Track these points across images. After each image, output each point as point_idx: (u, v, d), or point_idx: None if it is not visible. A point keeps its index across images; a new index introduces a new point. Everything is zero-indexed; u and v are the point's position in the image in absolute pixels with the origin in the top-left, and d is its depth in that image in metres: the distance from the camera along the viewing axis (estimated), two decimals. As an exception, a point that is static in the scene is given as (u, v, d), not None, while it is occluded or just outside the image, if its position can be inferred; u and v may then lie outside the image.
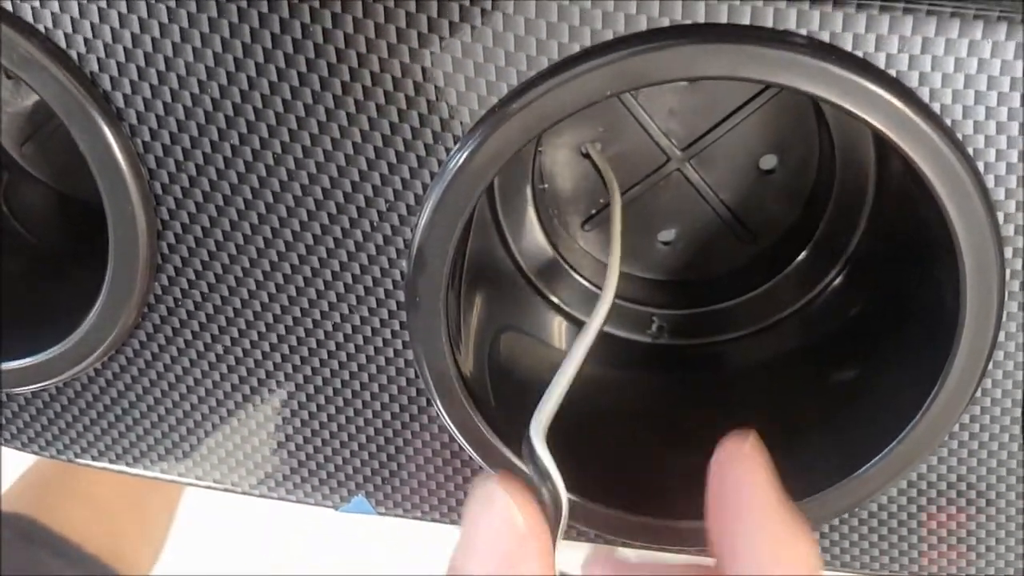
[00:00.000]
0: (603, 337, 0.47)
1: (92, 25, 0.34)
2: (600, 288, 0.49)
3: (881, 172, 0.44)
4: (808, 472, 0.40)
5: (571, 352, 0.35)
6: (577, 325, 0.49)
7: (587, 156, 0.46)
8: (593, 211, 0.49)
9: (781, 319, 0.48)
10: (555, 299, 0.49)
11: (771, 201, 0.48)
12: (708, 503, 0.32)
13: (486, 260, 0.46)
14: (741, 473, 0.32)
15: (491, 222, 0.47)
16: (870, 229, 0.45)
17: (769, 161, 0.47)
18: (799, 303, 0.47)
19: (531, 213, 0.48)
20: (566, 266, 0.49)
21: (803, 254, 0.47)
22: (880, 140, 0.34)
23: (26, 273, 0.47)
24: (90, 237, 0.46)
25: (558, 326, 0.49)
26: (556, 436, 0.42)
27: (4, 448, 0.44)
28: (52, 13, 0.34)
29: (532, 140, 0.34)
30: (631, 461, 0.43)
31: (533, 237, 0.49)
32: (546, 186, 0.48)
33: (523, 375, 0.46)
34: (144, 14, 0.34)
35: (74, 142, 0.35)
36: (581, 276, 0.49)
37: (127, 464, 0.42)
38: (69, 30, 0.34)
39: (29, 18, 0.34)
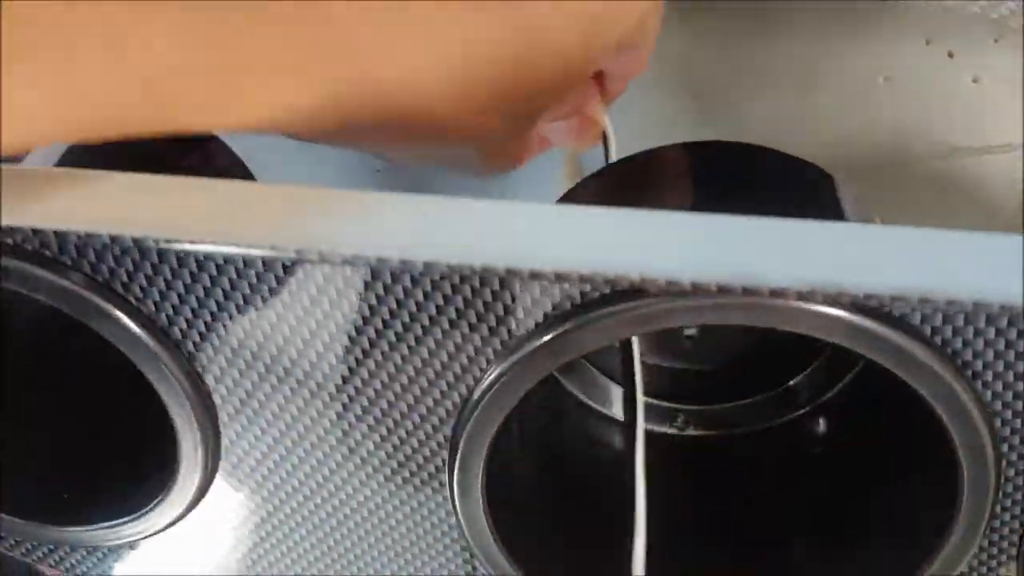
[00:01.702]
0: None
1: (146, 276, 0.36)
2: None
3: None
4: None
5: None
6: (609, 421, 0.52)
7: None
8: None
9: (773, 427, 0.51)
10: (582, 396, 0.53)
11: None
12: None
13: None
14: None
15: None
16: (854, 386, 0.48)
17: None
18: (800, 412, 0.50)
19: None
20: (604, 376, 0.52)
21: (792, 381, 0.50)
22: None
23: (97, 413, 0.51)
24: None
25: (607, 431, 0.52)
26: (574, 533, 0.46)
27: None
28: (108, 267, 0.36)
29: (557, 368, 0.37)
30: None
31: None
32: None
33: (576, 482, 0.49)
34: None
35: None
36: (603, 373, 0.52)
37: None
38: (125, 279, 0.37)
39: (89, 271, 0.37)
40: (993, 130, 0.63)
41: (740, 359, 0.53)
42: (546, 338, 0.36)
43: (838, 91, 0.65)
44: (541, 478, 0.48)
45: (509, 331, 0.36)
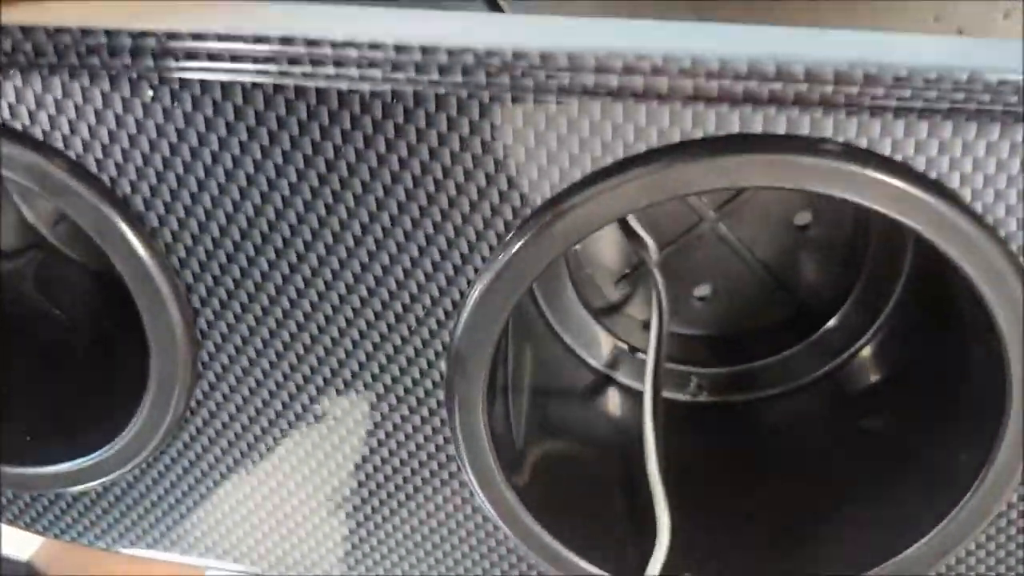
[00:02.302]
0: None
1: (123, 150, 0.34)
2: (635, 348, 0.50)
3: (919, 240, 0.43)
4: (848, 550, 0.40)
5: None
6: (620, 388, 0.49)
7: (621, 221, 0.46)
8: (626, 270, 0.49)
9: (819, 377, 0.48)
10: (593, 362, 0.49)
11: (806, 258, 0.47)
12: None
13: (525, 333, 0.46)
14: None
15: (528, 295, 0.47)
16: (908, 291, 0.44)
17: (804, 217, 0.46)
18: (835, 362, 0.47)
19: (564, 276, 0.48)
20: (601, 328, 0.49)
21: (840, 313, 0.47)
22: None
23: (64, 356, 0.48)
24: (127, 313, 0.46)
25: (605, 392, 0.49)
26: (588, 500, 0.42)
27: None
28: (83, 140, 0.34)
29: (568, 248, 0.34)
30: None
31: (568, 299, 0.49)
32: (579, 248, 0.48)
33: (575, 447, 0.46)
34: (174, 138, 0.33)
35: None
36: (616, 337, 0.49)
37: (178, 553, 0.43)
38: (100, 156, 0.34)
39: (60, 145, 0.34)
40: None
41: (755, 322, 0.50)
42: (556, 211, 0.33)
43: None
44: (541, 427, 0.45)
45: (514, 210, 0.33)
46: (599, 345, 0.49)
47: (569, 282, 0.48)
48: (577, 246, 0.48)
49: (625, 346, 0.49)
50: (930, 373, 0.42)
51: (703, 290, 0.49)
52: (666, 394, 0.50)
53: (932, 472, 0.39)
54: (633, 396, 0.49)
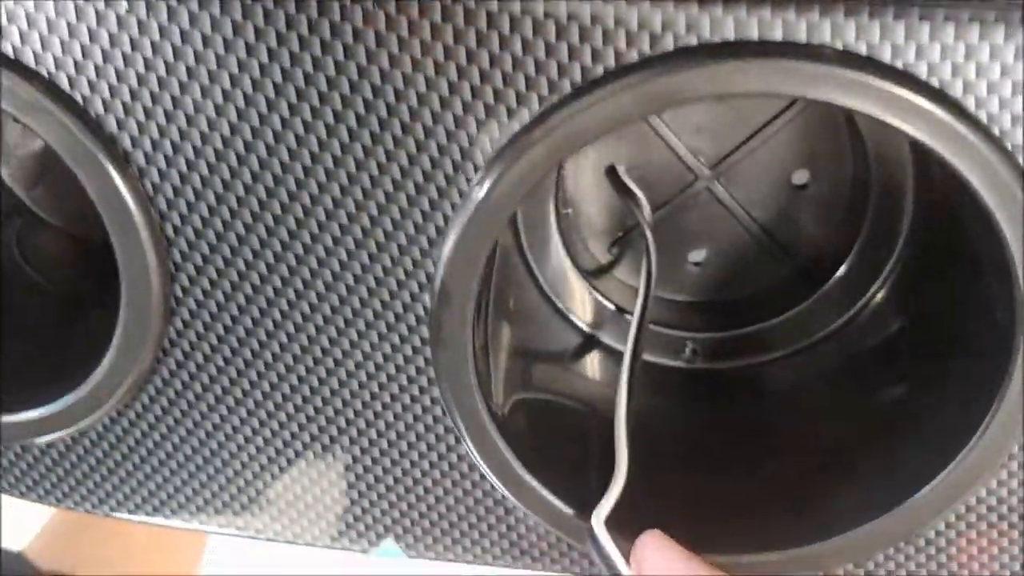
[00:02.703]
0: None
1: (96, 67, 0.33)
2: (630, 313, 0.48)
3: (920, 182, 0.42)
4: (856, 500, 0.38)
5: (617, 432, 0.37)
6: (608, 352, 0.47)
7: (613, 177, 0.45)
8: (620, 233, 0.48)
9: (820, 339, 0.46)
10: (584, 327, 0.48)
11: (805, 217, 0.46)
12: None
13: (512, 290, 0.45)
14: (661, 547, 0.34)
15: (515, 250, 0.45)
16: (910, 243, 0.43)
17: (801, 176, 0.45)
18: (838, 322, 0.46)
19: (556, 239, 0.47)
20: (595, 292, 0.48)
21: (840, 271, 0.46)
22: (919, 149, 0.32)
23: (41, 319, 0.46)
24: (104, 279, 0.45)
25: (589, 354, 0.47)
26: (590, 467, 0.41)
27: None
28: (55, 56, 0.33)
29: (556, 167, 0.33)
30: (666, 490, 0.41)
31: (559, 263, 0.47)
32: (570, 211, 0.47)
33: (557, 406, 0.44)
34: (148, 53, 0.32)
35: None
36: (609, 300, 0.48)
37: (147, 514, 0.41)
38: (72, 73, 0.33)
39: (31, 62, 0.33)
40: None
41: (753, 285, 0.48)
42: (546, 125, 0.32)
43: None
44: (523, 384, 0.43)
45: (500, 124, 0.32)
46: (586, 305, 0.48)
47: (560, 242, 0.47)
48: (569, 209, 0.46)
49: (612, 306, 0.48)
50: (937, 321, 0.40)
51: (698, 255, 0.48)
52: (661, 360, 0.48)
53: (940, 416, 0.37)
54: (620, 358, 0.47)
